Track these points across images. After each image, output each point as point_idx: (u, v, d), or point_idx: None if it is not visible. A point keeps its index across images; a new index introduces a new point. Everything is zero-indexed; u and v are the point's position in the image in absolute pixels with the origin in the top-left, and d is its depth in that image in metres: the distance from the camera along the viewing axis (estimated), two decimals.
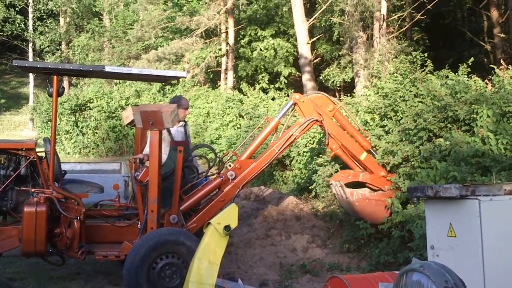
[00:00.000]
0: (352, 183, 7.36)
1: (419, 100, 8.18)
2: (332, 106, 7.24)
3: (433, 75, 9.39)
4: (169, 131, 6.70)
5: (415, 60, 10.06)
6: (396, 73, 9.66)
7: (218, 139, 16.90)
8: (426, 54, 10.02)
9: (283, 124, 7.52)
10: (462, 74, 8.96)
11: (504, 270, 4.13)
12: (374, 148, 7.66)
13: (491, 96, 7.06)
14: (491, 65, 8.64)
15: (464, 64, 9.29)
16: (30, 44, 31.66)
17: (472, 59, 9.33)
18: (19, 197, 6.27)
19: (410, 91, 8.50)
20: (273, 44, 23.09)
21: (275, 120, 7.16)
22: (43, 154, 6.48)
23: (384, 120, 8.58)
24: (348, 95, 13.78)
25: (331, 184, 7.42)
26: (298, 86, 23.10)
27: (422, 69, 9.48)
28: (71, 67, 6.75)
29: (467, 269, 4.07)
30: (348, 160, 7.41)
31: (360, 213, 7.27)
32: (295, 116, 7.84)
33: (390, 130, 8.18)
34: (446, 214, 4.34)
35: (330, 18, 19.35)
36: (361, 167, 7.39)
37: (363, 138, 7.44)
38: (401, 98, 8.44)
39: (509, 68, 8.39)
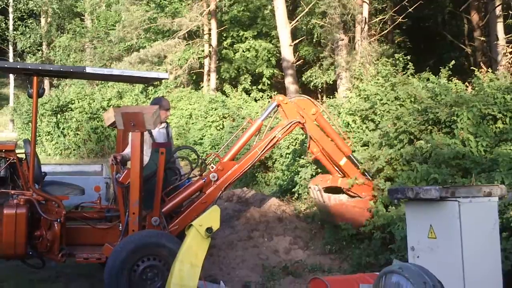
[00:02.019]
0: (331, 187, 7.38)
1: (399, 104, 8.24)
2: (315, 109, 7.23)
3: (414, 77, 9.45)
4: (150, 133, 6.66)
5: (397, 62, 10.13)
6: (378, 75, 9.72)
7: (202, 139, 16.87)
8: (408, 57, 10.11)
9: (266, 126, 7.52)
10: (443, 77, 9.05)
11: (484, 271, 4.18)
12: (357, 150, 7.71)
13: (471, 99, 7.14)
14: (472, 68, 8.72)
15: (445, 67, 9.37)
16: (11, 45, 31.31)
17: (453, 62, 9.42)
18: None
19: (390, 95, 8.56)
20: (255, 45, 23.12)
21: (258, 121, 7.14)
22: (23, 156, 6.41)
23: (366, 122, 8.64)
24: (331, 97, 13.85)
25: (310, 187, 7.45)
26: (280, 88, 23.17)
27: (404, 72, 9.55)
28: (51, 68, 6.68)
29: (447, 270, 4.12)
30: (328, 164, 7.41)
31: (336, 218, 7.28)
32: (278, 118, 7.85)
33: (372, 133, 8.23)
34: (426, 216, 4.38)
35: (312, 21, 19.42)
36: (340, 172, 7.40)
37: (344, 143, 7.39)
38: (381, 102, 8.50)
39: (488, 71, 8.49)
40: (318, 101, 13.10)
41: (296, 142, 9.78)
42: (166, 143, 6.84)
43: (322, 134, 7.26)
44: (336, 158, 7.26)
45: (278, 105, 7.13)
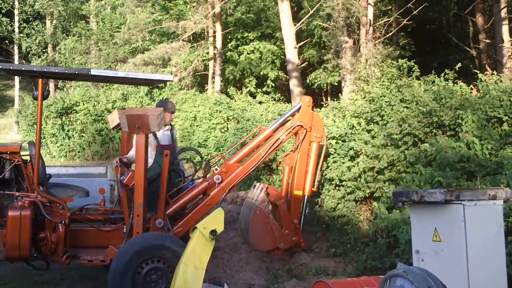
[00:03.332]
0: None
1: (405, 106, 8.23)
2: (320, 135, 7.24)
3: (419, 80, 9.45)
4: (155, 135, 6.68)
5: (401, 67, 10.13)
6: (383, 77, 9.72)
7: (206, 141, 16.87)
8: (413, 61, 10.09)
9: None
10: (449, 79, 9.04)
11: (488, 275, 4.16)
12: (360, 152, 7.67)
13: (476, 101, 7.12)
14: (476, 71, 8.70)
15: (451, 69, 9.36)
16: (16, 47, 31.42)
17: (459, 64, 9.41)
18: (3, 201, 6.20)
19: (396, 97, 8.55)
20: (259, 46, 23.13)
21: (269, 129, 7.14)
22: (28, 158, 6.43)
23: (371, 124, 8.62)
24: (334, 99, 13.83)
25: (255, 185, 7.27)
26: (285, 91, 23.17)
27: (409, 75, 9.55)
28: (56, 70, 6.70)
29: (452, 273, 4.10)
30: (285, 182, 7.35)
31: (251, 223, 6.96)
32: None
33: (376, 135, 8.21)
34: (431, 219, 4.37)
35: (315, 23, 19.42)
36: (287, 198, 7.26)
37: (312, 183, 7.27)
38: (387, 103, 8.49)
39: (494, 74, 8.47)
40: (323, 103, 13.15)
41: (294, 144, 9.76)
42: (170, 145, 6.85)
43: (305, 157, 7.20)
44: (296, 185, 7.18)
45: (300, 107, 7.15)
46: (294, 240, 7.09)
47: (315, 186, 7.42)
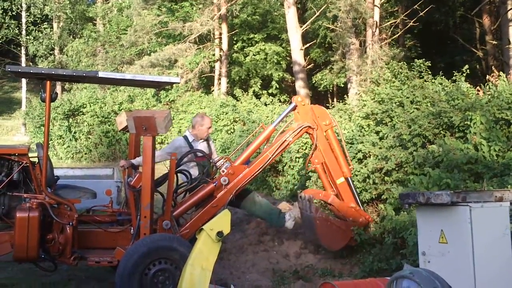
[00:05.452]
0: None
1: (415, 107, 8.23)
2: (329, 121, 7.21)
3: (428, 82, 9.46)
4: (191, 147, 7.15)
5: (414, 67, 10.16)
6: (396, 78, 9.71)
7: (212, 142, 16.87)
8: (429, 63, 10.10)
9: (277, 130, 7.51)
10: (458, 81, 9.04)
11: (495, 277, 4.16)
12: (368, 154, 7.66)
13: (486, 103, 7.12)
14: (484, 73, 8.72)
15: (458, 71, 9.37)
16: (23, 49, 31.57)
17: (467, 66, 9.42)
18: (11, 203, 6.23)
19: (407, 98, 8.55)
20: (264, 48, 23.15)
21: (271, 127, 7.18)
22: (35, 160, 6.46)
23: (380, 125, 8.62)
24: (340, 101, 13.85)
25: (300, 196, 7.31)
26: (291, 92, 23.17)
27: (420, 76, 9.56)
28: (64, 72, 6.73)
29: (458, 275, 4.10)
30: (325, 179, 7.33)
31: (317, 232, 7.03)
32: (285, 121, 7.87)
33: (385, 136, 8.22)
34: (437, 221, 4.37)
35: (320, 23, 19.42)
36: (334, 190, 7.30)
37: (346, 164, 7.25)
38: (397, 104, 8.48)
39: (500, 75, 8.47)
40: (329, 105, 13.17)
41: (307, 146, 9.78)
42: (202, 157, 7.03)
43: (328, 147, 7.18)
44: (335, 175, 7.16)
45: (295, 107, 7.14)
46: (362, 221, 7.11)
47: (351, 165, 7.44)
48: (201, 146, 7.25)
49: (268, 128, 7.17)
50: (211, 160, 7.13)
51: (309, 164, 7.59)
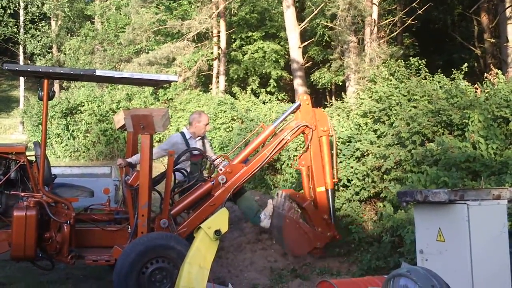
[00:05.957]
0: None
1: (413, 105, 8.23)
2: (327, 128, 7.17)
3: (426, 80, 9.47)
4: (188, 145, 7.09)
5: (411, 65, 10.15)
6: (393, 76, 9.71)
7: (211, 141, 16.87)
8: (424, 61, 10.10)
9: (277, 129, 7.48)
10: (462, 79, 9.05)
11: (492, 275, 4.16)
12: (366, 152, 7.65)
13: (484, 102, 7.12)
14: (482, 71, 8.74)
15: (456, 69, 9.37)
16: (21, 47, 31.53)
17: (466, 64, 9.43)
18: (8, 201, 6.23)
19: (404, 96, 8.55)
20: (263, 46, 23.13)
21: (271, 127, 7.16)
22: (33, 158, 6.45)
23: (377, 124, 8.62)
24: (339, 99, 13.83)
25: (277, 193, 7.20)
26: (289, 90, 23.17)
27: (418, 74, 9.56)
28: (62, 71, 6.72)
29: (456, 273, 4.11)
30: (306, 183, 7.25)
31: (283, 232, 6.85)
32: (286, 120, 7.85)
33: (383, 134, 8.21)
34: (435, 219, 4.37)
35: (322, 23, 19.42)
36: (311, 197, 7.20)
37: (331, 175, 7.18)
38: (396, 103, 8.47)
39: (498, 73, 8.47)
40: (327, 103, 13.16)
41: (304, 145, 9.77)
42: (198, 155, 7.01)
43: (318, 152, 7.12)
44: (317, 182, 7.07)
45: (299, 106, 7.12)
46: (329, 235, 7.02)
47: (335, 177, 7.33)
48: (197, 144, 7.26)
49: (269, 128, 7.15)
50: (208, 159, 7.13)
51: (295, 163, 7.54)
